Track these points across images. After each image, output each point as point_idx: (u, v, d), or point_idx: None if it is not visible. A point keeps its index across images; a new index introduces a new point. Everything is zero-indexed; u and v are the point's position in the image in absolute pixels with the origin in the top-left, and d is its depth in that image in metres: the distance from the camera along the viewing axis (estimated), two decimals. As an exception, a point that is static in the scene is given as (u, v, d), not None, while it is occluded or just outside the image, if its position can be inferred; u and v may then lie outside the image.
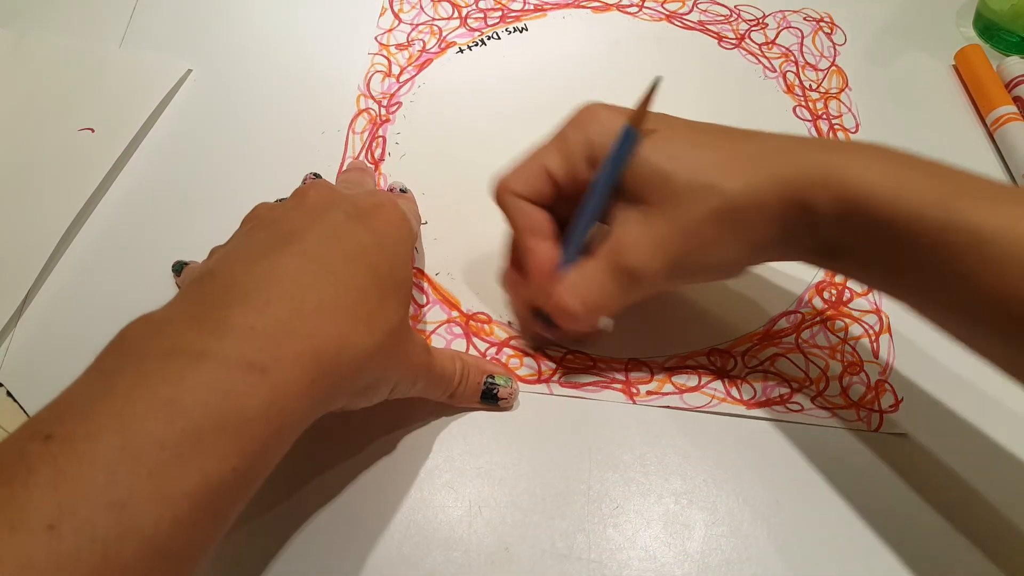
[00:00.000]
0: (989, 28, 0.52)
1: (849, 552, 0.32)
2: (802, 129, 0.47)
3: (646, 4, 0.52)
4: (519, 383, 0.36)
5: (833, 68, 0.50)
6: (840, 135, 0.47)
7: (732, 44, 0.51)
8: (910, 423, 0.36)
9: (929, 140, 0.47)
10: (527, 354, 0.37)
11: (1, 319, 0.37)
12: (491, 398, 0.34)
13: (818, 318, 0.39)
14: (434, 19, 0.51)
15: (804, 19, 0.52)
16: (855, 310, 0.39)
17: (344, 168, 0.43)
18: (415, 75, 0.48)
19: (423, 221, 0.41)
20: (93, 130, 0.44)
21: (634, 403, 0.36)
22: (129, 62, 0.47)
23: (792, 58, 0.50)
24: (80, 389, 0.22)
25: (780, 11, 0.53)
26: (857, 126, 0.47)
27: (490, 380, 0.34)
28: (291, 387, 0.23)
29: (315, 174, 0.42)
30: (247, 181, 0.43)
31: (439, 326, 0.38)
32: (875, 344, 0.38)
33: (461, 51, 0.49)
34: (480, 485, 0.33)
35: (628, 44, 0.50)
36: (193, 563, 0.21)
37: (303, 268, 0.26)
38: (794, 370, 0.37)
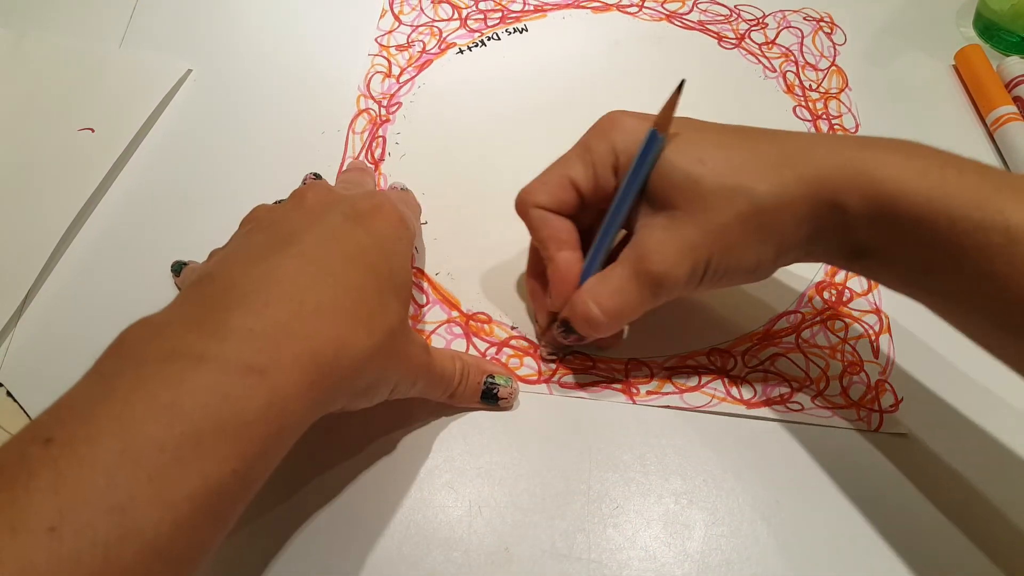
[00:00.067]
0: (989, 28, 0.52)
1: (849, 552, 0.32)
2: (802, 129, 0.47)
3: (646, 4, 0.52)
4: (519, 383, 0.36)
5: (833, 68, 0.50)
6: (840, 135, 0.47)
7: (732, 44, 0.51)
8: (910, 423, 0.36)
9: (929, 140, 0.46)
10: (527, 354, 0.37)
11: (1, 319, 0.37)
12: (491, 398, 0.34)
13: (818, 318, 0.39)
14: (434, 20, 0.51)
15: (804, 19, 0.52)
16: (855, 310, 0.39)
17: (344, 168, 0.43)
18: (415, 76, 0.48)
19: (423, 221, 0.41)
20: (93, 130, 0.44)
21: (634, 403, 0.36)
22: (129, 62, 0.47)
23: (792, 58, 0.50)
24: (80, 392, 0.22)
25: (780, 11, 0.53)
26: (857, 126, 0.47)
27: (490, 380, 0.34)
28: (290, 389, 0.23)
29: (315, 174, 0.42)
30: (247, 181, 0.43)
31: (439, 326, 0.38)
32: (875, 344, 0.38)
33: (461, 52, 0.49)
34: (480, 485, 0.33)
35: (628, 44, 0.50)
36: (194, 565, 0.22)
37: (302, 270, 0.26)
38: (794, 370, 0.37)
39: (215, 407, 0.21)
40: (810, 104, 0.48)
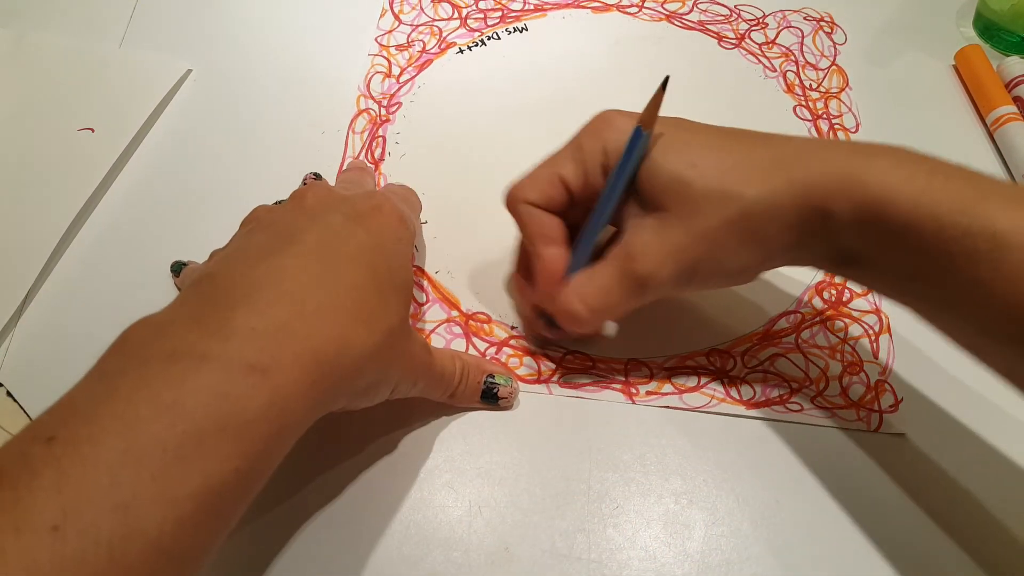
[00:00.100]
0: (989, 28, 0.52)
1: (848, 552, 0.32)
2: (802, 129, 0.47)
3: (646, 4, 0.52)
4: (519, 383, 0.36)
5: (833, 67, 0.50)
6: (840, 135, 0.47)
7: (732, 44, 0.51)
8: (910, 423, 0.36)
9: (929, 140, 0.47)
10: (527, 353, 0.37)
11: (1, 319, 0.37)
12: (491, 397, 0.34)
13: (818, 318, 0.39)
14: (434, 20, 0.51)
15: (804, 19, 0.52)
16: (855, 310, 0.39)
17: (344, 168, 0.43)
18: (415, 75, 0.48)
19: (423, 221, 0.41)
20: (93, 130, 0.44)
21: (634, 403, 0.36)
22: (129, 62, 0.47)
23: (792, 58, 0.50)
24: (82, 391, 0.22)
25: (780, 11, 0.53)
26: (857, 126, 0.47)
27: (490, 380, 0.34)
28: (292, 388, 0.23)
29: (315, 174, 0.42)
30: (247, 181, 0.43)
31: (438, 325, 0.38)
32: (875, 344, 0.38)
33: (461, 51, 0.49)
34: (480, 485, 0.33)
35: (628, 44, 0.50)
36: (197, 563, 0.22)
37: (303, 269, 0.26)
38: (794, 370, 0.37)
39: (217, 406, 0.21)
40: (810, 104, 0.48)
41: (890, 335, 0.38)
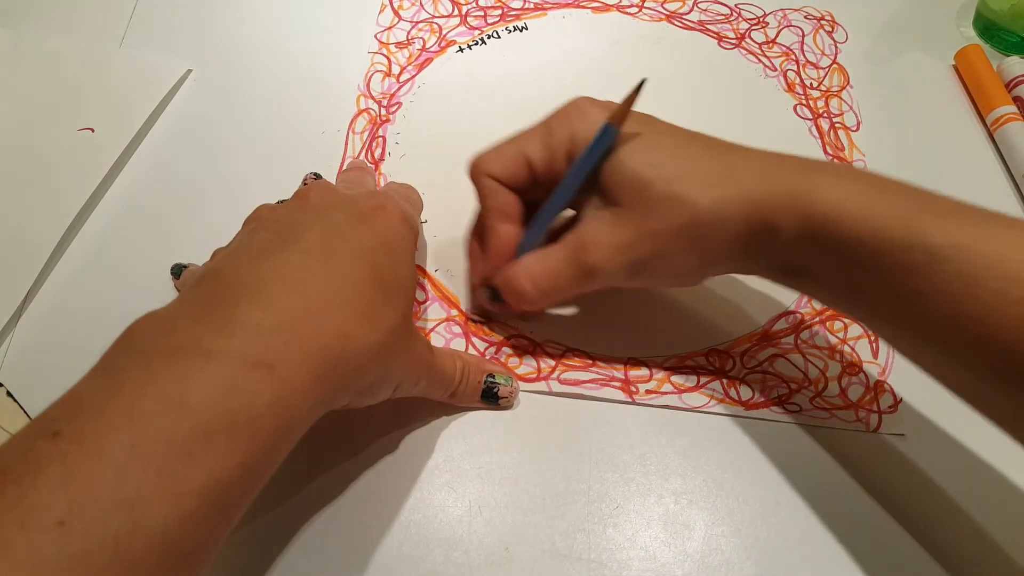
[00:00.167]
0: (989, 28, 0.52)
1: (848, 552, 0.32)
2: (802, 128, 0.47)
3: (646, 4, 0.52)
4: (519, 382, 0.36)
5: (834, 66, 0.50)
6: (841, 133, 0.46)
7: (732, 44, 0.51)
8: (909, 424, 0.36)
9: (929, 140, 0.47)
10: (526, 353, 0.37)
11: (1, 319, 0.37)
12: (491, 397, 0.34)
13: (817, 319, 0.39)
14: (434, 16, 0.51)
15: (805, 17, 0.52)
16: (855, 310, 0.39)
17: (344, 168, 0.43)
18: (415, 75, 0.48)
19: (423, 220, 0.41)
20: (93, 130, 0.44)
21: (633, 401, 0.36)
22: (129, 62, 0.47)
23: (793, 57, 0.50)
24: (87, 387, 0.22)
25: (780, 9, 0.53)
26: (858, 124, 0.47)
27: (490, 379, 0.34)
28: (297, 384, 0.23)
29: (315, 174, 0.42)
30: (247, 181, 0.43)
31: (438, 324, 0.38)
32: (874, 345, 0.38)
33: (461, 50, 0.49)
34: (480, 485, 0.33)
35: (628, 44, 0.50)
36: (202, 559, 0.22)
37: (307, 266, 0.26)
38: (793, 371, 0.37)
39: (223, 403, 0.21)
40: (811, 102, 0.48)
41: (890, 335, 0.38)
